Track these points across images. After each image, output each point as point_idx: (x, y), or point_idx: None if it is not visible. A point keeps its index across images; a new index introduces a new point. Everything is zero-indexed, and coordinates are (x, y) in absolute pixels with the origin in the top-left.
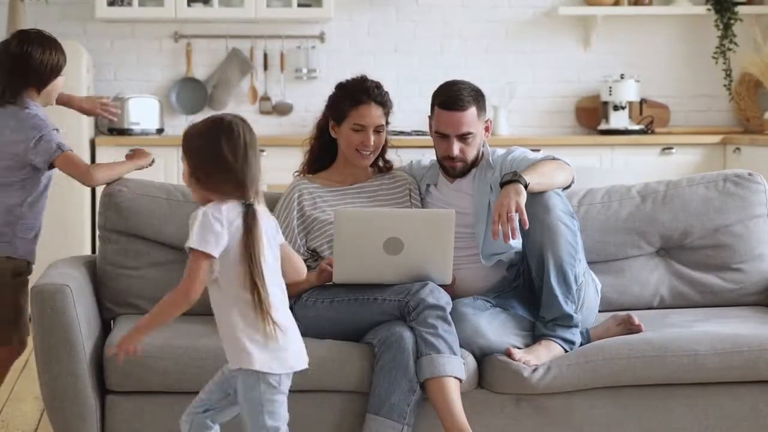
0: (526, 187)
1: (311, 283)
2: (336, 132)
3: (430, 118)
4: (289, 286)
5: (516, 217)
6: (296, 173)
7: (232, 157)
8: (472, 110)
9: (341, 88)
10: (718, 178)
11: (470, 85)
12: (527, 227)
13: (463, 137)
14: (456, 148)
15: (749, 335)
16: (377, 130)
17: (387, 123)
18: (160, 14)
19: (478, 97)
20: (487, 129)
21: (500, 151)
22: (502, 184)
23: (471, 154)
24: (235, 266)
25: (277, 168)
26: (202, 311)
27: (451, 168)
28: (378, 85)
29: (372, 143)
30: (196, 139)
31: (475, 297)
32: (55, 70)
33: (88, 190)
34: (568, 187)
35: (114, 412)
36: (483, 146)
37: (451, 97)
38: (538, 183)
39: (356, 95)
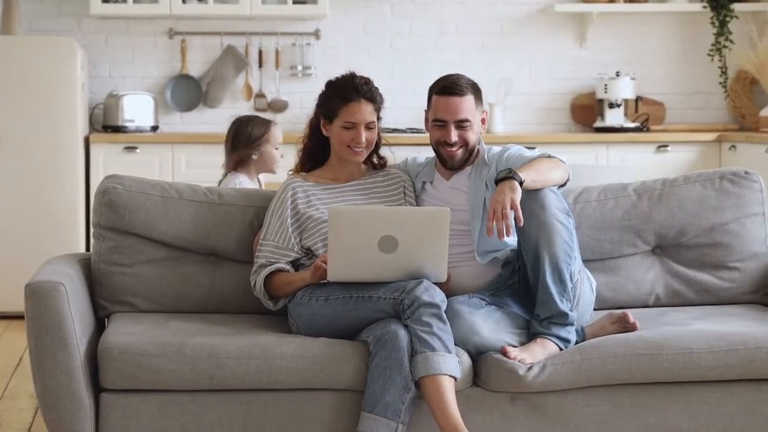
0: (521, 184)
1: (306, 281)
2: (327, 130)
3: (427, 111)
4: (284, 285)
5: (511, 215)
6: (290, 172)
7: None
8: (470, 98)
9: (330, 86)
10: (714, 177)
11: (467, 77)
12: (521, 224)
13: (460, 124)
14: (454, 134)
15: (745, 333)
16: (368, 127)
17: (379, 119)
18: (155, 11)
19: (475, 88)
20: (483, 121)
21: (496, 149)
22: (497, 181)
23: (471, 140)
24: None
25: None
26: (196, 309)
27: (450, 157)
28: (367, 81)
29: (363, 140)
30: None
31: (471, 295)
32: None
33: (81, 187)
34: (564, 185)
35: (108, 410)
36: (479, 143)
37: (450, 84)
38: (534, 180)
39: (345, 93)
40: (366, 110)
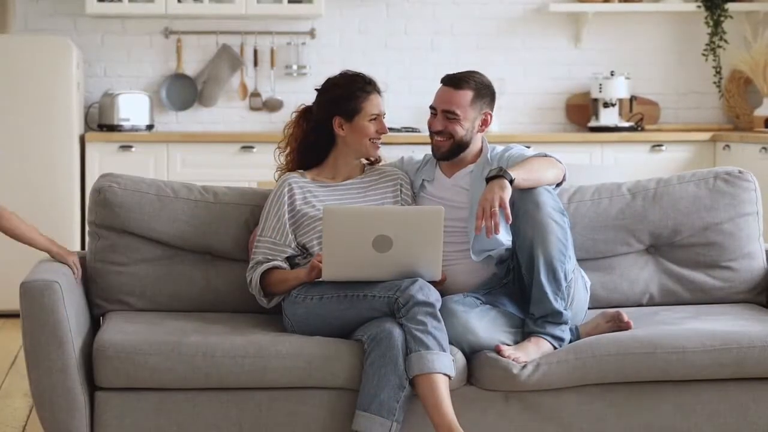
0: (511, 182)
1: (301, 280)
2: (345, 129)
3: None
4: (279, 283)
5: (500, 213)
6: (278, 172)
7: None
8: (466, 93)
9: (345, 85)
10: (708, 176)
11: (482, 77)
12: (509, 221)
13: (446, 114)
14: (439, 123)
15: (738, 332)
16: (384, 118)
17: None
18: (151, 10)
19: (480, 88)
20: (484, 122)
21: (499, 148)
22: (488, 179)
23: (457, 134)
24: None
25: (267, 165)
26: (192, 308)
27: (435, 146)
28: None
29: (386, 129)
30: None
31: (465, 294)
32: None
33: (76, 186)
34: (560, 184)
35: (103, 409)
36: (483, 142)
37: (453, 75)
38: (525, 179)
39: (365, 88)
40: (380, 101)
